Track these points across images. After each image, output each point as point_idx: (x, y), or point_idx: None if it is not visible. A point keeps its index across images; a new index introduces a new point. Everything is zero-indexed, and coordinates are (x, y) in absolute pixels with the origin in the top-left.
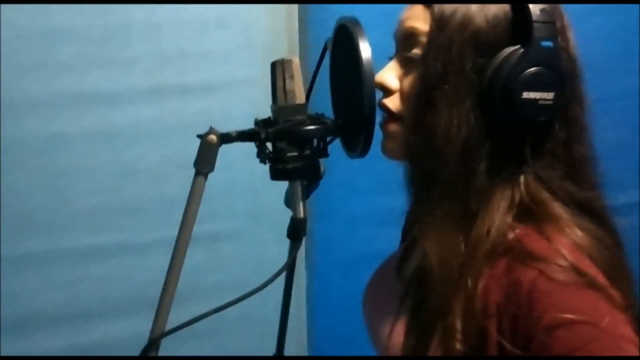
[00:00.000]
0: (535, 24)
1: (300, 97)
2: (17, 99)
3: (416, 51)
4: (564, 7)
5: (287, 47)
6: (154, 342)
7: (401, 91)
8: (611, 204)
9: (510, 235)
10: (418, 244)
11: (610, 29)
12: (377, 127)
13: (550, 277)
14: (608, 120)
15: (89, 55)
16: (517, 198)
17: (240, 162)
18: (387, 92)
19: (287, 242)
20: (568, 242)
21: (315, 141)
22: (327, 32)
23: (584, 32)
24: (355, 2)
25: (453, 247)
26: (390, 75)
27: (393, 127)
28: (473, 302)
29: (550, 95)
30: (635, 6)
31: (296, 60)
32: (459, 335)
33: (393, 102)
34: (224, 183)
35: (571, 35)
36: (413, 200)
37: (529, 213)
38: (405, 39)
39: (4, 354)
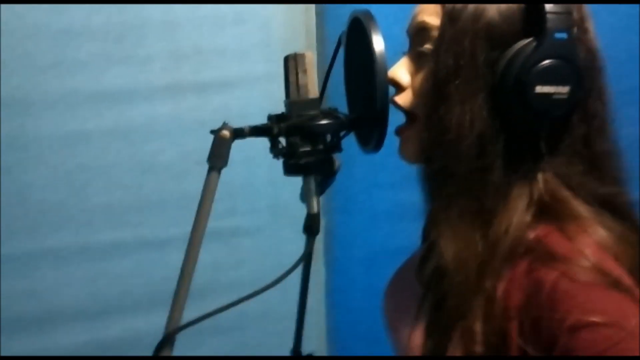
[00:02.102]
0: (548, 15)
1: (313, 92)
2: (36, 97)
3: (428, 46)
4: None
5: (304, 42)
6: (169, 336)
7: (413, 87)
8: (634, 199)
9: (531, 235)
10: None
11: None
12: (391, 123)
13: (573, 278)
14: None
15: (106, 53)
16: (535, 196)
17: (261, 157)
18: (399, 88)
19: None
20: (591, 242)
21: (328, 136)
22: (345, 26)
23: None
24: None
25: (470, 246)
26: (401, 70)
27: (408, 133)
28: (493, 305)
29: (565, 89)
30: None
31: (309, 55)
32: (479, 338)
33: (405, 99)
34: (244, 179)
35: (590, 25)
36: (428, 198)
37: (549, 211)
38: (417, 33)
39: (25, 350)
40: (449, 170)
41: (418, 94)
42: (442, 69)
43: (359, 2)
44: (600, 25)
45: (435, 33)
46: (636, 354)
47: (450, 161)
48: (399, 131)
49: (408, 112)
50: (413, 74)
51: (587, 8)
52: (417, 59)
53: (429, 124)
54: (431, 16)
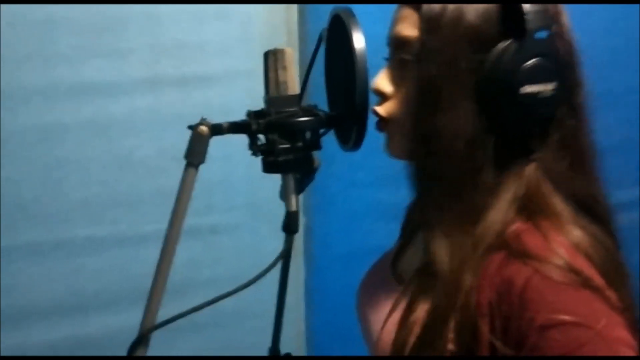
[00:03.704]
0: (527, 15)
1: (292, 88)
2: (14, 89)
3: (409, 54)
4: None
5: (286, 38)
6: (143, 335)
7: (397, 96)
8: (613, 201)
9: (508, 230)
10: (414, 241)
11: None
12: (371, 122)
13: (545, 276)
14: (613, 116)
15: (85, 45)
16: (520, 191)
17: (239, 154)
18: (383, 97)
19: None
20: (565, 241)
21: (308, 133)
22: (326, 23)
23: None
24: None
25: (462, 246)
26: (384, 80)
27: (392, 128)
28: (469, 299)
29: (550, 87)
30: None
31: (289, 51)
32: (450, 335)
33: (387, 108)
34: (222, 175)
35: (566, 19)
36: (418, 199)
37: (530, 206)
38: (398, 42)
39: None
40: (439, 174)
41: (403, 103)
42: (426, 77)
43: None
44: (600, 25)
45: (415, 43)
46: (604, 354)
47: (440, 166)
48: (379, 126)
49: (387, 120)
50: (396, 83)
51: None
52: (399, 68)
53: (416, 132)
54: (409, 27)
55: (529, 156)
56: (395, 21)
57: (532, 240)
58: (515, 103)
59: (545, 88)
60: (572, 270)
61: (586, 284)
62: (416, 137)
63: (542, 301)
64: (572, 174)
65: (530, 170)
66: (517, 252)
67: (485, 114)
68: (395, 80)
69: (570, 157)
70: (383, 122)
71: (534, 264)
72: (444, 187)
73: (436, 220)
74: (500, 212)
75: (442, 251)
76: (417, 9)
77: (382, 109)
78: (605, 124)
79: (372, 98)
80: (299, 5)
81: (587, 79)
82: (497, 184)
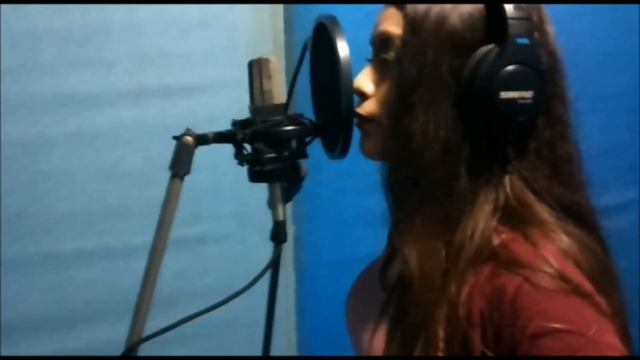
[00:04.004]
0: (509, 21)
1: (278, 97)
2: None
3: (391, 54)
4: (553, 9)
5: (271, 47)
6: (131, 349)
7: (377, 96)
8: (601, 204)
9: (496, 241)
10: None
11: (602, 28)
12: (357, 129)
13: (536, 284)
14: (602, 119)
15: (68, 56)
16: (501, 200)
17: (226, 163)
18: (363, 97)
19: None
20: (554, 248)
21: (294, 142)
22: (311, 32)
23: (576, 31)
24: (339, 2)
25: (433, 253)
26: (365, 80)
27: (369, 126)
28: (457, 310)
29: (529, 94)
30: (627, 5)
31: (274, 60)
32: (441, 344)
33: (368, 108)
34: (209, 185)
35: (550, 29)
36: (392, 206)
37: (514, 216)
38: (380, 43)
39: None
40: (413, 180)
41: (382, 103)
42: (406, 78)
43: (325, 2)
44: (601, 26)
45: (397, 42)
46: None
47: (414, 170)
48: (358, 124)
49: (369, 119)
50: (377, 83)
51: (546, 11)
52: (381, 68)
53: (393, 133)
54: (393, 25)
55: (505, 165)
56: (379, 21)
57: (521, 249)
58: (493, 108)
59: (523, 95)
60: (562, 277)
61: (576, 291)
62: (391, 137)
63: (533, 309)
64: (549, 182)
65: (512, 179)
66: (506, 261)
67: (463, 119)
68: (376, 80)
69: (548, 166)
70: (362, 121)
71: (524, 272)
72: (417, 192)
73: (407, 225)
74: (480, 223)
75: (413, 258)
76: (402, 9)
77: (362, 109)
78: (597, 125)
79: (357, 101)
80: (285, 14)
81: (580, 82)
82: (472, 191)
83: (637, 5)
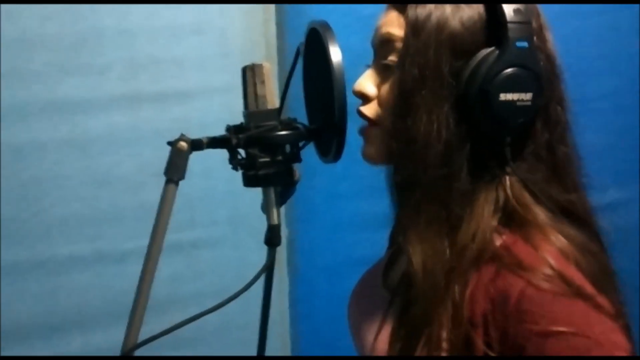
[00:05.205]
0: (509, 25)
1: (272, 102)
2: None
3: (393, 57)
4: (541, 7)
5: (264, 52)
6: (127, 354)
7: (379, 98)
8: (597, 203)
9: (498, 242)
10: (403, 250)
11: (596, 29)
12: (350, 133)
13: (539, 287)
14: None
15: (60, 62)
16: (501, 201)
17: (220, 169)
18: (365, 99)
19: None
20: (554, 250)
21: (287, 146)
22: (303, 37)
23: (566, 34)
24: (331, 2)
25: (438, 252)
26: (367, 82)
27: (372, 132)
28: (460, 310)
29: (528, 96)
30: (614, 6)
31: (267, 65)
32: (444, 345)
33: (371, 110)
34: (203, 190)
35: (549, 34)
36: (396, 206)
37: (514, 217)
38: (382, 45)
39: None
40: (415, 179)
41: (384, 105)
42: (408, 79)
43: (317, 2)
44: (595, 27)
45: (399, 44)
46: None
47: (417, 170)
48: (362, 131)
49: (374, 122)
50: (379, 85)
51: (545, 18)
52: (383, 71)
53: (395, 134)
54: (395, 28)
55: (504, 166)
56: (380, 24)
57: (522, 252)
58: (493, 109)
59: (522, 97)
60: (564, 280)
61: (578, 292)
62: (394, 138)
63: (538, 312)
64: (547, 184)
65: (511, 181)
66: (509, 264)
67: (463, 120)
68: (378, 82)
69: (546, 168)
70: (368, 126)
71: (526, 275)
72: (419, 190)
73: (411, 225)
74: (481, 222)
75: (417, 256)
76: (403, 13)
77: (367, 110)
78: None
79: (352, 104)
80: (277, 18)
81: (573, 82)
82: (472, 192)
83: (633, 6)
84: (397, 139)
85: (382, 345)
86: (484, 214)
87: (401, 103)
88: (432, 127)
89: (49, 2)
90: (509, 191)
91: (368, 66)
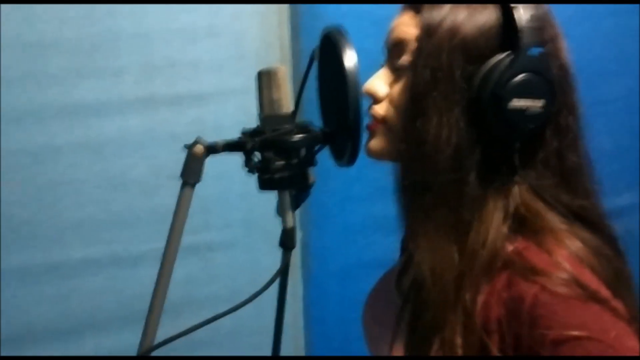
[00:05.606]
0: (524, 31)
1: (287, 106)
2: (5, 111)
3: (405, 59)
4: (555, 14)
5: (279, 55)
6: (143, 356)
7: (390, 99)
8: (609, 208)
9: (510, 248)
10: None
11: (604, 31)
12: (364, 137)
13: (553, 292)
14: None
15: (76, 66)
16: (511, 208)
17: (235, 172)
18: (376, 99)
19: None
20: (568, 254)
21: (303, 150)
22: (318, 41)
23: (579, 35)
24: (345, 2)
25: (447, 258)
26: (379, 82)
27: (379, 128)
28: (472, 317)
29: (539, 103)
30: (629, 7)
31: (282, 69)
32: (459, 350)
33: (382, 109)
34: (218, 193)
35: (563, 43)
36: (404, 210)
37: (526, 224)
38: (395, 46)
39: None
40: (425, 183)
41: (395, 106)
42: (420, 82)
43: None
44: (614, 27)
45: (412, 46)
46: None
47: (426, 173)
48: (368, 126)
49: (383, 119)
50: (390, 86)
51: (559, 26)
52: (395, 71)
53: (405, 136)
54: (408, 30)
55: (513, 172)
56: (394, 25)
57: (536, 257)
58: (504, 115)
59: (533, 104)
60: (579, 284)
61: (593, 297)
62: (404, 140)
63: (552, 317)
64: (558, 191)
65: (521, 189)
66: (522, 269)
67: (474, 124)
68: (389, 83)
69: (555, 175)
70: (376, 122)
71: (541, 280)
72: (429, 194)
73: (420, 229)
74: (491, 229)
75: (426, 260)
76: (417, 15)
77: (379, 109)
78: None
79: (364, 105)
80: (292, 21)
81: (584, 85)
82: (482, 198)
83: (637, 7)
84: (406, 141)
85: (398, 353)
86: (494, 221)
87: (412, 105)
88: (442, 130)
89: (67, 2)
90: (518, 198)
91: (382, 66)
